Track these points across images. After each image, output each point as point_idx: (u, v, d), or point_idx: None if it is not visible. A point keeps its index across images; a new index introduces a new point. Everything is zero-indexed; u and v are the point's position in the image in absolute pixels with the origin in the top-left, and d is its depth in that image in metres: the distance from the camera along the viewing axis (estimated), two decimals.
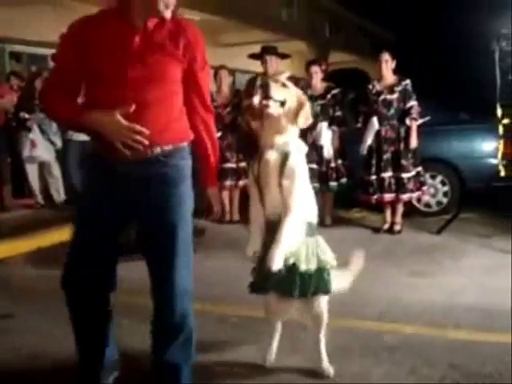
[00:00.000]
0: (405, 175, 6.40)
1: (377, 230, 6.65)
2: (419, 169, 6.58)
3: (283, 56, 7.34)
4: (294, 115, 2.98)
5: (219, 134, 7.17)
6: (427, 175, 7.17)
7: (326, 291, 3.07)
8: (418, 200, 7.10)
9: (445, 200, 7.45)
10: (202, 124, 2.73)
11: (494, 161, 6.50)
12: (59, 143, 8.02)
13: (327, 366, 3.14)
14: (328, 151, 6.95)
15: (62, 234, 6.74)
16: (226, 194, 7.43)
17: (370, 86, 6.68)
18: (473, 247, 5.87)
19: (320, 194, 6.99)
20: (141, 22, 2.49)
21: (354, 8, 17.07)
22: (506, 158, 6.34)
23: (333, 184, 6.92)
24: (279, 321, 3.31)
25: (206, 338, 3.36)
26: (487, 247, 5.85)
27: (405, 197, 6.53)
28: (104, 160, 2.55)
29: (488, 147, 7.06)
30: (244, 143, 7.08)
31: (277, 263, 2.82)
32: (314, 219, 3.10)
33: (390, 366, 3.21)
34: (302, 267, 2.97)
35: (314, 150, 6.91)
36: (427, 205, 7.45)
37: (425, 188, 6.76)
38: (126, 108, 2.42)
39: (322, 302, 3.09)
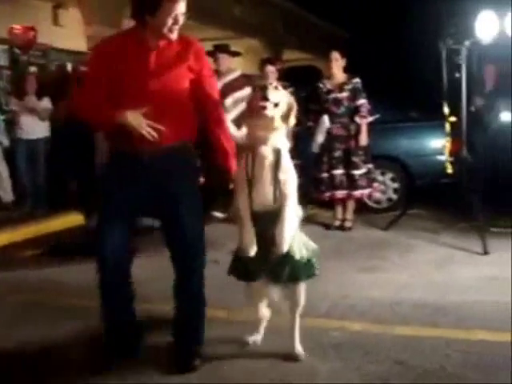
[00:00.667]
0: (356, 172, 6.48)
1: (328, 227, 6.71)
2: (370, 166, 6.67)
3: (234, 54, 7.34)
4: (285, 116, 3.26)
5: None
6: (377, 172, 7.29)
7: (312, 276, 3.36)
8: (369, 197, 7.19)
9: (394, 196, 7.59)
10: (215, 120, 3.32)
11: (441, 158, 6.62)
12: (6, 142, 7.86)
13: (300, 349, 3.32)
14: None
15: (12, 235, 6.66)
16: None
17: (321, 85, 6.73)
18: (421, 242, 5.98)
19: None
20: (154, 42, 3.13)
21: (308, 6, 17.13)
22: (453, 155, 6.46)
23: None
24: (265, 306, 3.52)
25: None
26: (435, 242, 5.97)
27: (356, 193, 6.61)
28: (127, 153, 3.17)
29: (436, 145, 7.20)
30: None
31: (286, 246, 3.15)
32: (299, 211, 3.35)
33: (337, 363, 3.23)
34: (296, 256, 3.24)
35: None
36: (377, 201, 7.57)
37: (375, 185, 6.87)
38: (146, 109, 3.04)
39: (303, 287, 3.36)
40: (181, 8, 3.06)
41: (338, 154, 6.55)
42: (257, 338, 3.52)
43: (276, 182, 3.16)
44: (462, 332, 3.64)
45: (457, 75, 5.96)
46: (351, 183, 6.55)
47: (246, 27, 14.19)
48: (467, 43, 5.89)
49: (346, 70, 6.75)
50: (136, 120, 3.04)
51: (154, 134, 3.04)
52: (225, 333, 3.65)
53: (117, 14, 10.05)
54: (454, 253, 5.56)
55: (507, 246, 5.63)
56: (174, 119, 3.14)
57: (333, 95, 6.60)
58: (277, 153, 3.18)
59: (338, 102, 6.58)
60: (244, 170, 3.21)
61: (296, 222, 3.27)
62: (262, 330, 3.55)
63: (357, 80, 6.65)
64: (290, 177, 3.20)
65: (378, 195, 7.46)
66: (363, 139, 6.51)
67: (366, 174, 6.60)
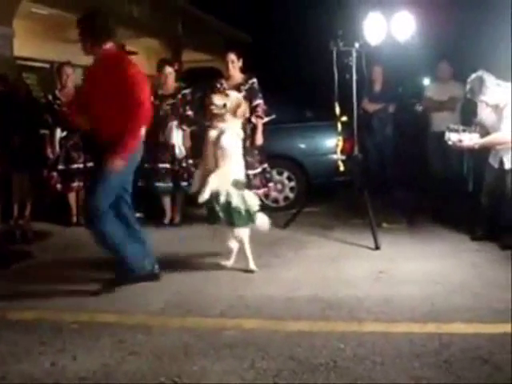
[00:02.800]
0: (251, 172, 6.51)
1: None
2: (265, 166, 6.74)
3: (130, 53, 7.25)
4: (233, 111, 4.94)
5: (63, 134, 6.96)
6: (274, 172, 7.38)
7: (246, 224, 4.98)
8: (266, 196, 7.27)
9: (291, 195, 7.72)
10: None
11: (335, 157, 6.79)
12: None
13: (253, 266, 4.97)
14: (180, 150, 6.94)
15: None
16: (73, 196, 7.19)
17: (218, 85, 6.73)
18: (316, 239, 6.12)
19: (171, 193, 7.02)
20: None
21: (210, 10, 17.16)
22: (345, 153, 6.64)
23: (184, 184, 6.92)
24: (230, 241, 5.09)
25: None
26: (329, 238, 6.11)
27: None
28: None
29: (330, 144, 7.37)
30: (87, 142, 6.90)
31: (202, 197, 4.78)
32: (241, 177, 5.06)
33: (230, 362, 3.24)
34: (233, 205, 4.86)
35: (166, 150, 6.89)
36: (275, 200, 7.67)
37: (271, 184, 6.94)
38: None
39: (243, 231, 4.99)
40: None
41: None
42: (228, 262, 5.11)
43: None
44: (354, 325, 3.74)
45: (347, 76, 6.12)
46: (246, 183, 6.58)
47: (145, 27, 14.01)
48: (356, 45, 6.06)
49: (243, 70, 6.79)
50: None
51: None
52: None
53: (7, 11, 9.68)
54: (347, 248, 5.71)
55: (397, 241, 5.86)
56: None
57: None
58: (219, 134, 4.87)
59: None
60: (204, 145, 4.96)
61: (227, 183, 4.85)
62: (232, 257, 5.13)
63: (253, 80, 6.71)
64: (224, 151, 4.82)
65: (275, 194, 7.57)
66: (259, 139, 6.57)
67: (260, 173, 6.67)
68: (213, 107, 4.92)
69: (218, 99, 4.95)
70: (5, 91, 7.55)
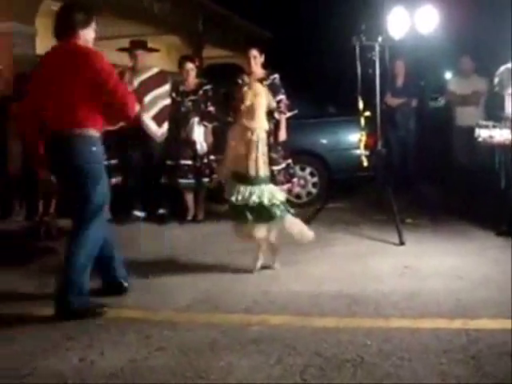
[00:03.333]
0: (274, 168, 6.51)
1: None
2: (289, 161, 6.73)
3: (151, 50, 7.28)
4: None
5: None
6: (297, 167, 7.37)
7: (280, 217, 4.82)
8: (289, 191, 7.25)
9: (314, 191, 7.70)
10: None
11: (358, 152, 6.76)
12: None
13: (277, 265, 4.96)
14: (201, 147, 6.95)
15: None
16: None
17: (240, 81, 6.72)
18: (340, 235, 6.09)
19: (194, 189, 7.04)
20: None
21: (231, 6, 17.19)
22: (368, 149, 6.61)
23: (205, 180, 6.94)
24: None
25: None
26: (353, 235, 6.09)
27: None
28: None
29: (352, 139, 7.35)
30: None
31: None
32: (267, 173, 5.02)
33: (257, 358, 3.23)
34: (265, 202, 4.75)
35: (188, 146, 6.92)
36: (298, 196, 7.66)
37: (294, 180, 6.93)
38: None
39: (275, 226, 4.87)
40: None
41: None
42: (258, 263, 4.94)
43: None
44: (380, 321, 3.72)
45: (370, 71, 6.09)
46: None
47: (167, 24, 14.05)
48: (380, 39, 6.03)
49: (264, 66, 6.78)
50: None
51: None
52: None
53: (29, 10, 9.76)
54: (372, 244, 5.69)
55: (422, 237, 5.83)
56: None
57: None
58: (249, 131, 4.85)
59: None
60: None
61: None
62: (260, 256, 4.94)
63: (275, 76, 6.69)
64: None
65: (298, 190, 7.56)
66: (282, 135, 6.56)
67: (284, 169, 6.66)
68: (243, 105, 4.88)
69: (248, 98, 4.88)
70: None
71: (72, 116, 3.99)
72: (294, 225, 4.89)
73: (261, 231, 4.82)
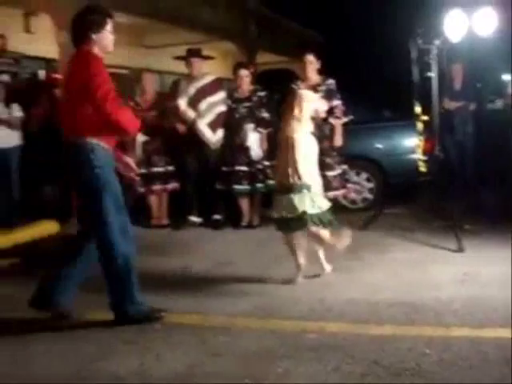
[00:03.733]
0: (330, 173, 6.48)
1: None
2: (344, 167, 6.68)
3: (207, 58, 7.36)
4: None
5: (145, 139, 7.10)
6: (352, 173, 7.32)
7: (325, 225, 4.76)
8: (344, 197, 7.22)
9: (370, 196, 7.63)
10: None
11: (414, 157, 6.66)
12: None
13: (328, 267, 4.93)
14: (256, 153, 6.99)
15: None
16: (154, 199, 7.36)
17: (295, 87, 6.73)
18: (397, 241, 6.01)
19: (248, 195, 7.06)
20: None
21: (282, 10, 17.22)
22: (425, 153, 6.50)
23: (260, 185, 6.97)
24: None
25: None
26: (411, 241, 6.00)
27: (330, 195, 6.58)
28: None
29: (409, 144, 7.25)
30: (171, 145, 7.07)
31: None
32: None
33: (314, 365, 3.21)
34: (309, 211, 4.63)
35: (243, 152, 6.96)
36: (353, 202, 7.60)
37: (349, 186, 6.89)
38: None
39: (320, 232, 4.79)
40: None
41: None
42: (299, 275, 4.79)
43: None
44: (440, 329, 3.65)
45: (427, 74, 6.00)
46: (325, 184, 6.53)
47: (221, 31, 14.17)
48: (437, 42, 5.94)
49: (320, 72, 6.76)
50: None
51: None
52: None
53: None
54: (430, 250, 5.60)
55: (481, 243, 5.69)
56: None
57: None
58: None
59: None
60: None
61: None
62: (300, 264, 4.79)
63: (331, 81, 6.66)
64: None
65: (353, 195, 7.51)
66: (338, 140, 6.51)
67: (339, 175, 6.61)
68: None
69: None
70: None
71: (71, 123, 3.95)
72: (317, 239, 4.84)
73: (298, 239, 4.77)
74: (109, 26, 4.01)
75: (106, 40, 4.01)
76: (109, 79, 3.90)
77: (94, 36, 3.93)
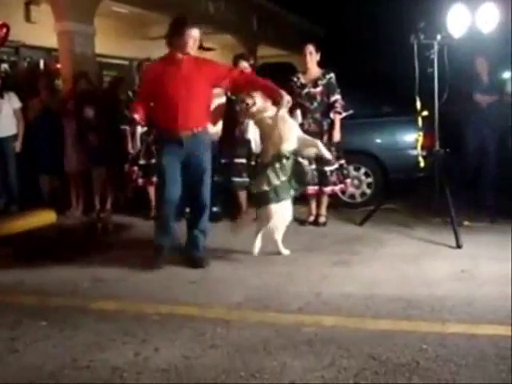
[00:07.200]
0: (327, 168, 6.47)
1: (302, 222, 6.70)
2: (342, 162, 6.67)
3: (207, 49, 7.33)
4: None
5: (145, 129, 7.08)
6: (351, 167, 7.30)
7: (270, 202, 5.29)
8: (343, 192, 7.21)
9: (368, 191, 7.61)
10: (244, 76, 5.45)
11: (414, 152, 6.65)
12: None
13: (284, 250, 5.35)
14: (256, 145, 6.96)
15: None
16: (153, 190, 7.32)
17: (295, 79, 6.72)
18: (395, 236, 6.00)
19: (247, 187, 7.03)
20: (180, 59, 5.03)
21: (282, 3, 17.18)
22: (425, 149, 6.48)
23: None
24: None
25: None
26: (409, 236, 5.99)
27: (327, 189, 6.60)
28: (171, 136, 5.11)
29: (409, 139, 7.24)
30: None
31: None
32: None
33: (310, 359, 3.22)
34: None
35: (243, 145, 6.93)
36: (352, 196, 7.59)
37: (348, 181, 6.86)
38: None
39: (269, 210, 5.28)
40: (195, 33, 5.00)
41: None
42: (255, 248, 5.29)
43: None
44: (436, 325, 3.65)
45: (429, 70, 5.97)
46: (323, 179, 6.54)
47: (222, 23, 14.14)
48: (439, 38, 5.91)
49: (320, 65, 6.74)
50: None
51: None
52: None
53: (89, 10, 9.97)
54: (427, 246, 5.59)
55: (480, 240, 5.69)
56: (196, 113, 5.07)
57: (306, 90, 6.60)
58: None
59: (311, 97, 6.57)
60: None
61: None
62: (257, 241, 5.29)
63: (331, 75, 6.64)
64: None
65: (352, 190, 7.49)
66: (336, 135, 6.50)
67: (337, 169, 6.60)
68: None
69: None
70: (86, 88, 7.82)
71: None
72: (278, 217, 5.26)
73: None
74: (183, 32, 5.04)
75: (181, 42, 5.01)
76: None
77: (170, 39, 5.12)
